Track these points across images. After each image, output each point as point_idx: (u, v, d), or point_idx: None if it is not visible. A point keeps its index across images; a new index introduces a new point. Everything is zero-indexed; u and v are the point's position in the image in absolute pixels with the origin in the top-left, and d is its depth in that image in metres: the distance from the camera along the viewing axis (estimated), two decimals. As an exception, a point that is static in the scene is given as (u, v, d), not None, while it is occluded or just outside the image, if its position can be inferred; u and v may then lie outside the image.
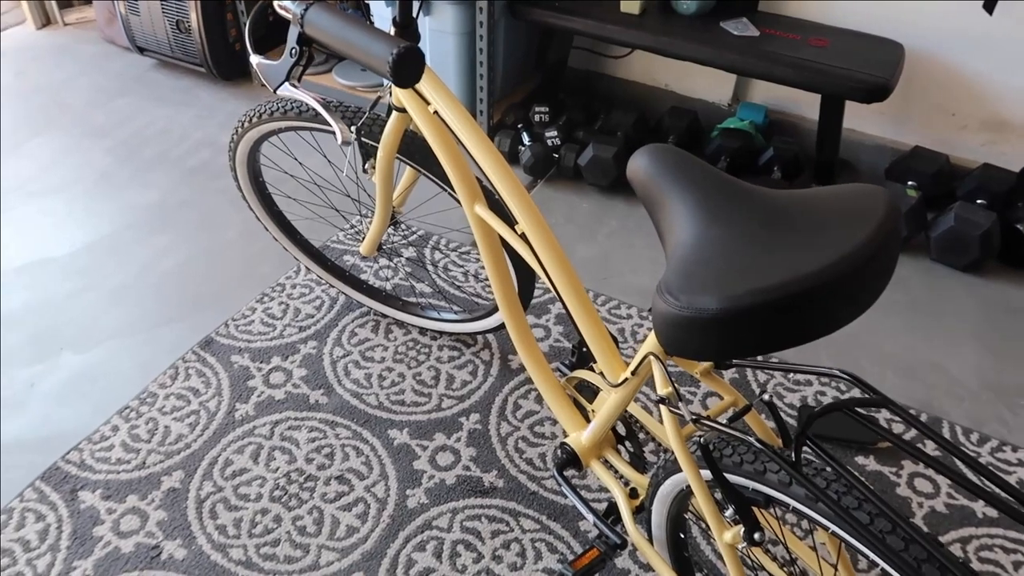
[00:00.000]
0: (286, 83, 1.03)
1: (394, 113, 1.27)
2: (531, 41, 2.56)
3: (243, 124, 1.52)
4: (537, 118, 2.41)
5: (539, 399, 1.69)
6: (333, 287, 1.92)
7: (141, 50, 2.80)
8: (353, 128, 1.34)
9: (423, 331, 1.85)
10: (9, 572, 1.36)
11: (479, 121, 2.40)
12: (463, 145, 1.10)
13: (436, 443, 1.60)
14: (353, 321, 1.87)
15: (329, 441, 1.59)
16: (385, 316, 1.87)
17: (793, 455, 0.73)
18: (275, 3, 0.93)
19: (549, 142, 2.34)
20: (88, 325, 1.85)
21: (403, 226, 2.13)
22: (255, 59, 1.04)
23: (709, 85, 2.48)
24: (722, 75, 2.39)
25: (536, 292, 1.95)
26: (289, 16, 0.92)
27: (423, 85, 1.13)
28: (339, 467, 1.55)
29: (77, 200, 2.25)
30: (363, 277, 1.97)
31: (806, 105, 2.38)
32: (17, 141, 2.50)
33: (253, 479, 1.52)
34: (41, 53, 2.98)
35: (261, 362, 1.76)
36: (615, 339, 1.18)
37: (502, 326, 1.65)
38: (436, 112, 1.12)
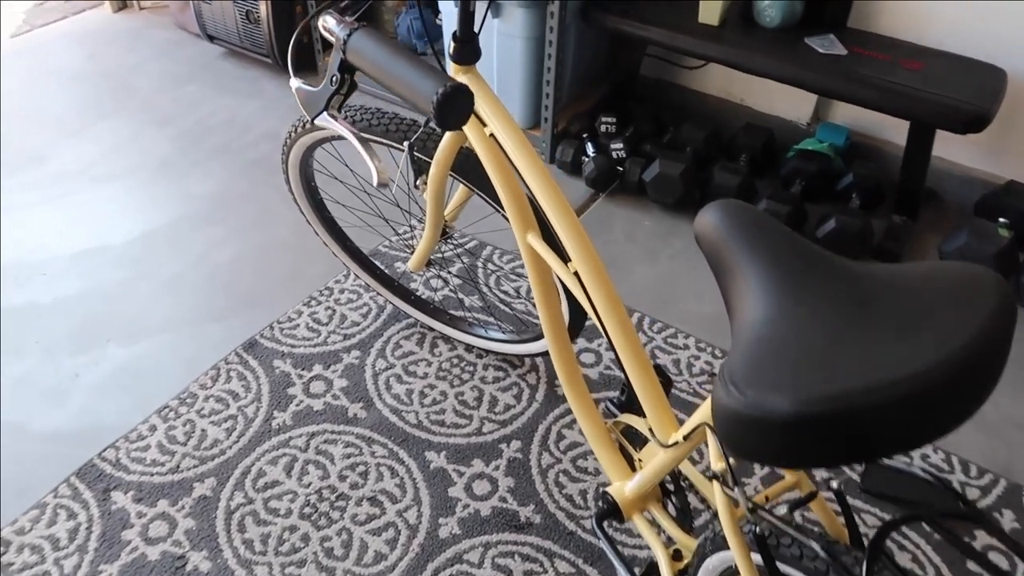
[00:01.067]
0: (324, 112, 0.95)
1: (447, 134, 1.20)
2: (602, 47, 2.47)
3: (296, 129, 1.48)
4: (603, 128, 2.31)
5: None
6: (381, 295, 1.87)
7: (211, 38, 2.80)
8: (406, 143, 1.28)
9: (469, 348, 1.78)
10: (36, 570, 1.35)
11: (543, 129, 2.32)
12: (518, 172, 1.02)
13: (474, 470, 1.53)
14: (399, 332, 1.82)
15: (364, 459, 1.54)
16: (432, 329, 1.82)
17: (864, 567, 0.64)
18: (320, 24, 0.85)
19: (614, 154, 2.25)
20: (137, 317, 1.85)
21: (455, 238, 2.07)
22: (295, 83, 0.97)
23: (788, 102, 2.35)
24: (803, 92, 2.25)
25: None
26: (332, 40, 0.84)
27: (480, 105, 1.06)
28: (372, 487, 1.50)
29: (137, 187, 2.26)
30: (412, 287, 1.92)
31: (892, 129, 2.22)
32: (84, 124, 2.52)
33: (284, 493, 1.48)
34: (115, 36, 3.02)
35: (303, 369, 1.72)
36: (668, 379, 1.09)
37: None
38: (492, 135, 1.05)
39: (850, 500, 1.49)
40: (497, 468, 1.54)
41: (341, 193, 1.80)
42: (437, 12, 2.40)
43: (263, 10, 2.54)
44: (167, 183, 2.28)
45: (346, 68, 0.90)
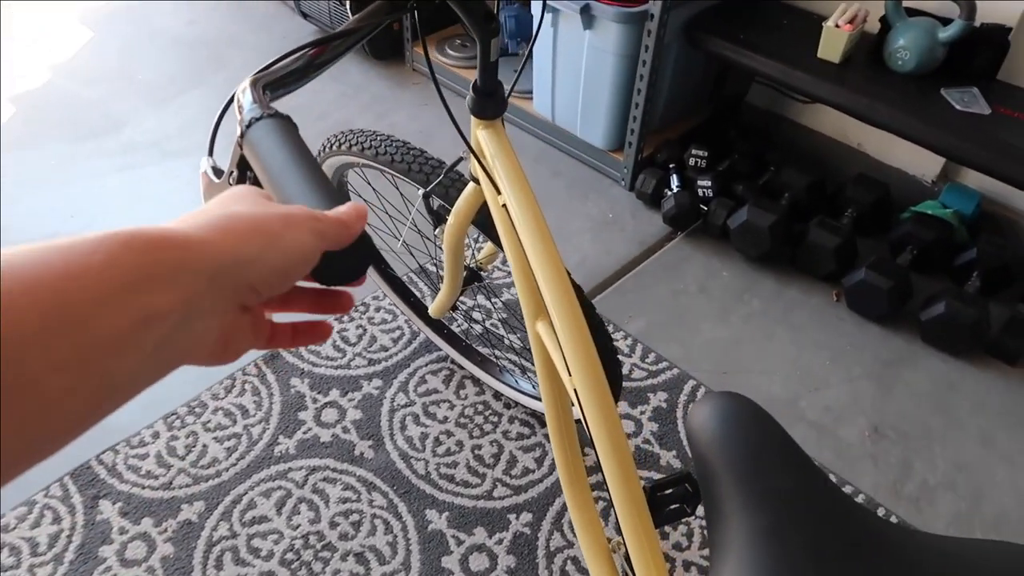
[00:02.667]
0: None
1: (470, 184, 1.04)
2: (708, 70, 2.23)
3: (325, 148, 1.35)
4: (692, 161, 2.08)
5: (604, 511, 1.44)
6: (414, 324, 1.74)
7: (304, 15, 2.73)
8: (421, 191, 1.13)
9: (497, 395, 1.63)
10: (10, 574, 1.31)
11: (626, 153, 2.11)
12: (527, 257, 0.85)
13: (475, 539, 1.39)
14: (427, 365, 1.68)
15: (361, 506, 1.43)
16: (461, 368, 1.67)
17: None
18: (239, 92, 0.67)
19: (700, 191, 2.02)
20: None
21: (487, 283, 1.88)
22: (204, 164, 0.77)
23: (913, 154, 2.04)
24: (932, 147, 1.96)
25: (638, 374, 1.67)
26: (238, 121, 0.65)
27: (496, 168, 0.90)
28: (362, 541, 1.38)
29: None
30: (447, 318, 1.78)
31: (1035, 202, 1.90)
32: (170, 94, 2.50)
33: (270, 532, 1.38)
34: (219, 3, 3.00)
35: (319, 392, 1.62)
36: (696, 490, 0.90)
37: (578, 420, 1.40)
38: (505, 206, 0.88)
39: None
40: (500, 542, 1.39)
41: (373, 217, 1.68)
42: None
43: (357, -8, 2.44)
44: (233, 165, 2.22)
45: (245, 164, 0.68)
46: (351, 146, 1.25)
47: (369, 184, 1.54)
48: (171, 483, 1.45)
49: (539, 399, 1.51)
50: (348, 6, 2.38)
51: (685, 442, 1.55)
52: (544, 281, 0.82)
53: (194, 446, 1.51)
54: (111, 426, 1.53)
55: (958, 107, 1.69)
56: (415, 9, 0.77)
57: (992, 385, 1.70)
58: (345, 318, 1.77)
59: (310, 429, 1.55)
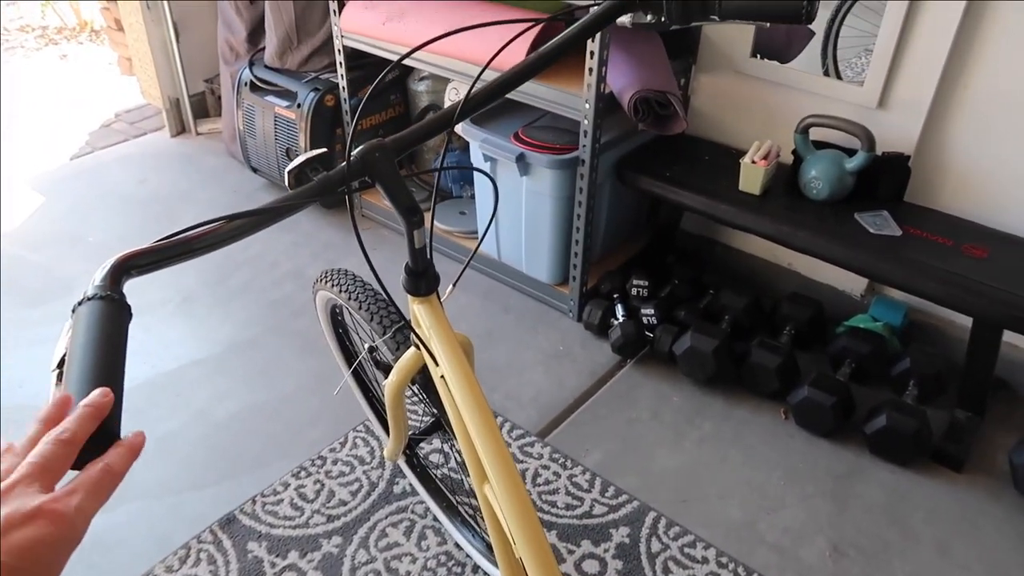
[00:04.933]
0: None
1: (411, 348, 1.09)
2: (641, 202, 2.36)
3: (319, 280, 1.46)
4: (635, 291, 2.17)
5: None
6: (378, 467, 1.73)
7: (254, 169, 2.83)
8: (366, 346, 1.18)
9: (459, 544, 1.62)
10: None
11: (571, 287, 2.20)
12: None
13: None
14: (387, 517, 1.67)
15: None
16: (424, 515, 1.66)
17: None
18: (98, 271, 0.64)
19: (645, 319, 2.10)
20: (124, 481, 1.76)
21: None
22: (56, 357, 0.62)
23: (840, 271, 2.14)
24: (855, 264, 2.07)
25: (599, 509, 1.68)
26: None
27: (433, 341, 0.94)
28: None
29: (155, 327, 2.23)
30: (422, 453, 1.78)
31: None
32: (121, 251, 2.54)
33: None
34: (170, 161, 3.09)
35: (277, 555, 1.58)
36: None
37: None
38: (443, 377, 0.92)
39: None
40: None
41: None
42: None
43: (302, 147, 2.55)
44: (185, 323, 2.24)
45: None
46: (333, 284, 1.38)
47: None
48: (122, 670, 1.39)
49: (490, 562, 1.51)
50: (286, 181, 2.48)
51: (649, 570, 1.54)
52: (484, 453, 0.85)
53: (147, 627, 1.46)
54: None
55: (872, 230, 1.81)
56: (349, 193, 0.83)
57: (941, 493, 1.75)
58: (303, 473, 1.76)
59: (268, 597, 1.51)
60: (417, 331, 0.97)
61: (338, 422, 1.89)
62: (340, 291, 1.36)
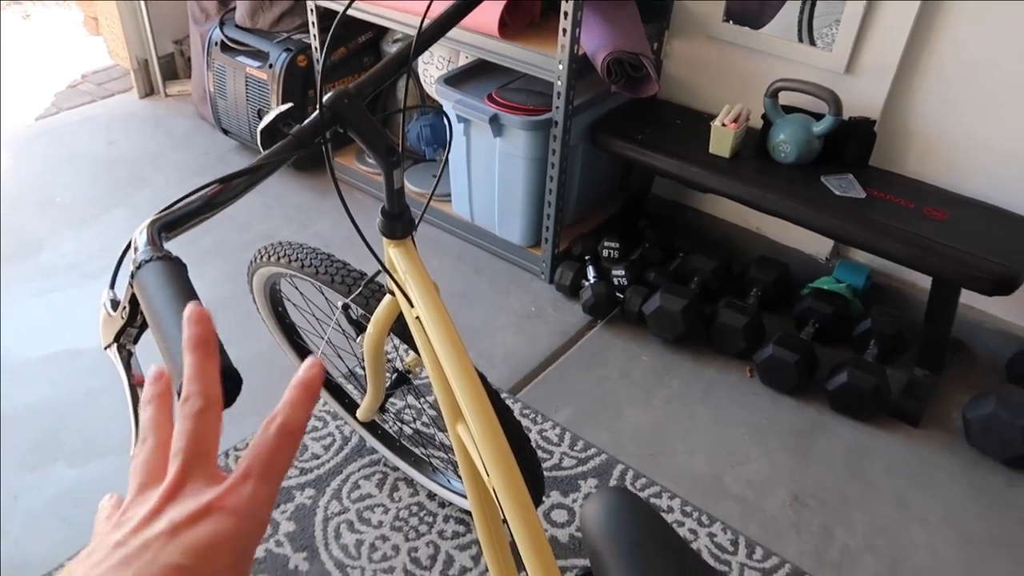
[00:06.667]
0: (114, 345, 0.72)
1: (387, 295, 1.10)
2: (614, 166, 2.38)
3: (255, 259, 1.40)
4: (606, 253, 2.20)
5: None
6: (348, 424, 1.75)
7: (225, 131, 2.81)
8: (340, 302, 1.19)
9: (431, 495, 1.65)
10: None
11: (543, 249, 2.22)
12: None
13: (415, 646, 1.38)
14: (360, 470, 1.69)
15: (297, 623, 1.41)
16: (395, 469, 1.69)
17: None
18: (136, 234, 0.71)
19: (615, 280, 2.13)
20: (94, 434, 1.76)
21: (416, 386, 1.92)
22: (105, 295, 0.75)
23: (807, 235, 2.18)
24: (821, 228, 2.12)
25: (568, 462, 1.72)
26: (131, 260, 0.66)
27: (408, 284, 0.96)
28: (300, 660, 1.35)
29: (123, 287, 2.21)
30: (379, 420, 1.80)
31: (917, 272, 2.06)
32: (90, 215, 2.51)
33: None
34: (138, 123, 3.05)
35: (251, 508, 1.60)
36: None
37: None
38: (418, 318, 0.94)
39: None
40: (441, 646, 1.38)
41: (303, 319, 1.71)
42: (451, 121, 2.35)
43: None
44: (156, 282, 2.23)
45: (136, 301, 0.69)
46: (279, 258, 1.32)
47: (298, 290, 1.60)
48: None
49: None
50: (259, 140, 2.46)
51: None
52: (459, 389, 0.87)
53: None
54: (29, 564, 1.48)
55: (837, 192, 1.85)
56: (326, 144, 0.84)
57: (900, 447, 1.81)
58: (275, 429, 1.77)
59: (242, 547, 1.53)
60: (393, 275, 0.99)
61: (311, 380, 1.90)
62: (289, 262, 1.31)
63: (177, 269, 0.62)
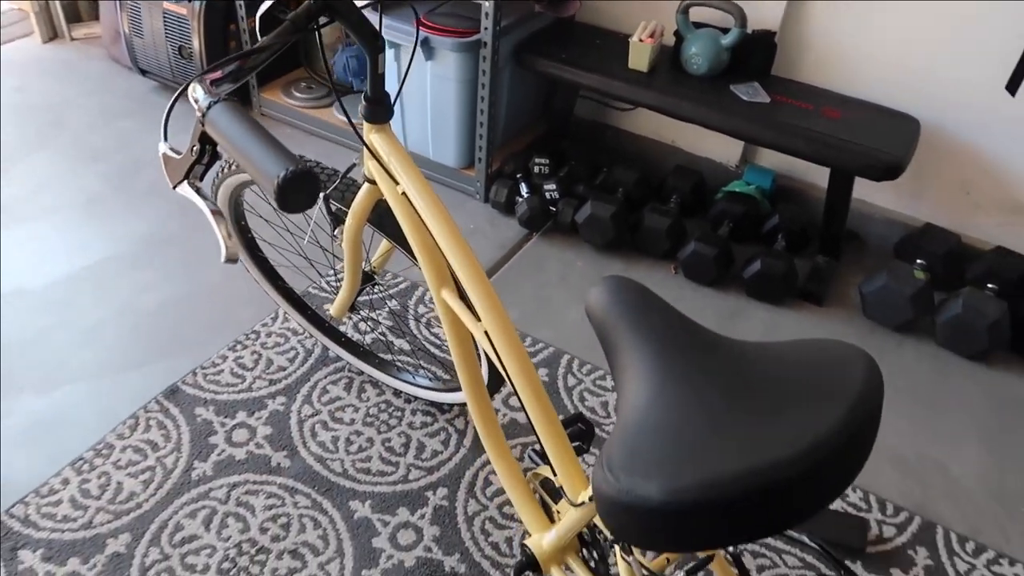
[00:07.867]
0: (185, 182, 0.95)
1: (365, 184, 1.21)
2: (539, 88, 2.51)
3: (223, 169, 1.47)
4: (537, 169, 2.34)
5: (519, 457, 1.61)
6: (311, 337, 1.85)
7: (143, 72, 2.76)
8: (320, 194, 1.28)
9: (397, 393, 1.77)
10: (-66, 637, 1.29)
11: (477, 169, 2.33)
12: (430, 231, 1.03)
13: (399, 519, 1.52)
14: (326, 377, 1.80)
15: (287, 510, 1.52)
16: (361, 373, 1.80)
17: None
18: (189, 92, 0.87)
19: (547, 195, 2.28)
20: (55, 365, 1.79)
21: (382, 285, 2.05)
22: (162, 147, 0.96)
23: (717, 145, 2.41)
24: (731, 136, 2.32)
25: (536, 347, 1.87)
26: (196, 108, 0.85)
27: (392, 163, 1.07)
28: (294, 540, 1.47)
29: (63, 227, 2.20)
30: (342, 329, 1.91)
31: (816, 173, 2.30)
32: (9, 161, 2.46)
33: (202, 548, 1.44)
34: (46, 68, 2.96)
35: (225, 416, 1.69)
36: (591, 428, 1.09)
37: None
38: (404, 193, 1.05)
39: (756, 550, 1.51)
40: (423, 517, 1.52)
41: (272, 233, 1.79)
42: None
43: (196, 45, 2.52)
44: (94, 223, 2.23)
45: (206, 139, 0.91)
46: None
47: (264, 199, 1.66)
48: (91, 522, 1.47)
49: (437, 390, 1.68)
50: (258, 25, 2.46)
51: (568, 400, 1.76)
52: (447, 246, 0.99)
53: (108, 485, 1.54)
54: (17, 480, 1.53)
55: (745, 99, 2.04)
56: (318, 29, 0.93)
57: (807, 324, 2.05)
58: (239, 347, 1.85)
59: (224, 451, 1.62)
60: (377, 156, 1.09)
61: (265, 302, 1.97)
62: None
63: (239, 107, 0.77)
